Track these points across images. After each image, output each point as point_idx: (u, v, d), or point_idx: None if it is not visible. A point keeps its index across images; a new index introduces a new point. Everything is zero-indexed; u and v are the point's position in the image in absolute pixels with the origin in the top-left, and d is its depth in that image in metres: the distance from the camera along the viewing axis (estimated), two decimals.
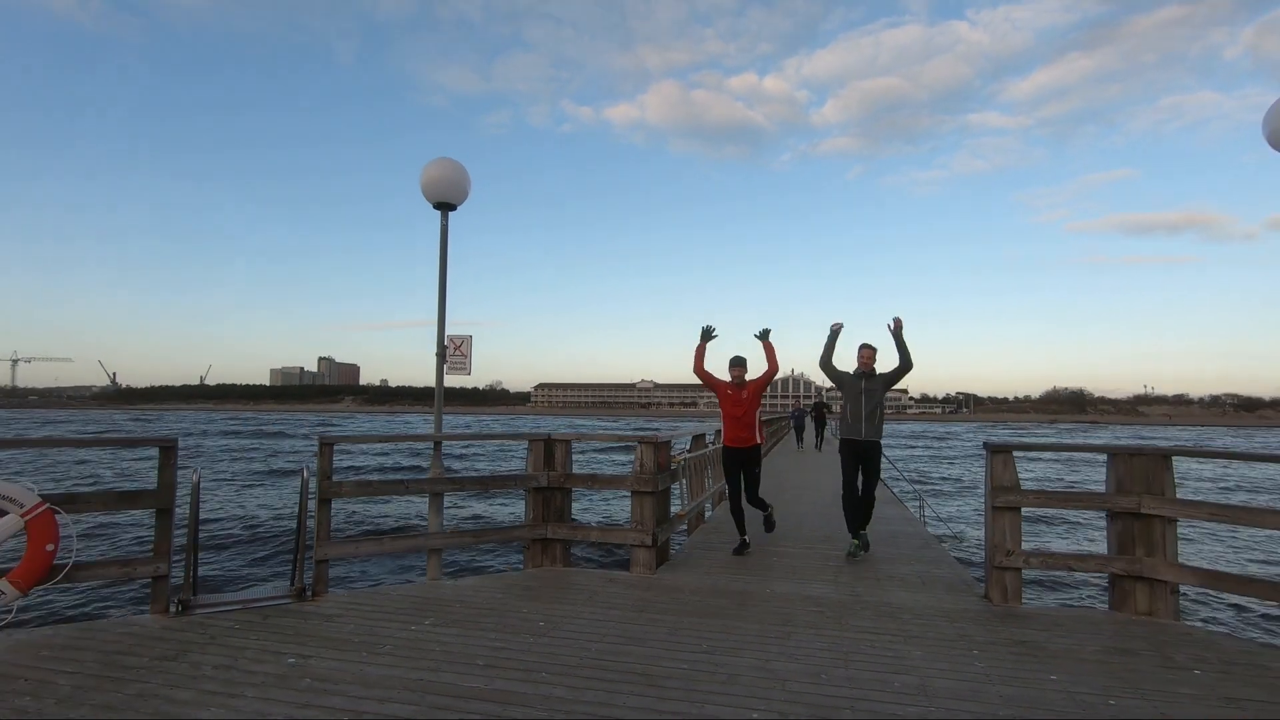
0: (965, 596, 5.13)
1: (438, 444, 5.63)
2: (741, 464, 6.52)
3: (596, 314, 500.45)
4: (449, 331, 5.73)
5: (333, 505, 4.98)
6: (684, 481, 6.92)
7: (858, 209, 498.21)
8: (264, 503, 16.69)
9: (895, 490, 14.34)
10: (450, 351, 5.73)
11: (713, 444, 8.46)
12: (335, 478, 4.94)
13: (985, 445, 5.13)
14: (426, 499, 5.59)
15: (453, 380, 5.82)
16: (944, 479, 27.22)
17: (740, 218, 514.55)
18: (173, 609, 4.39)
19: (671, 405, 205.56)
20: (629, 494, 5.85)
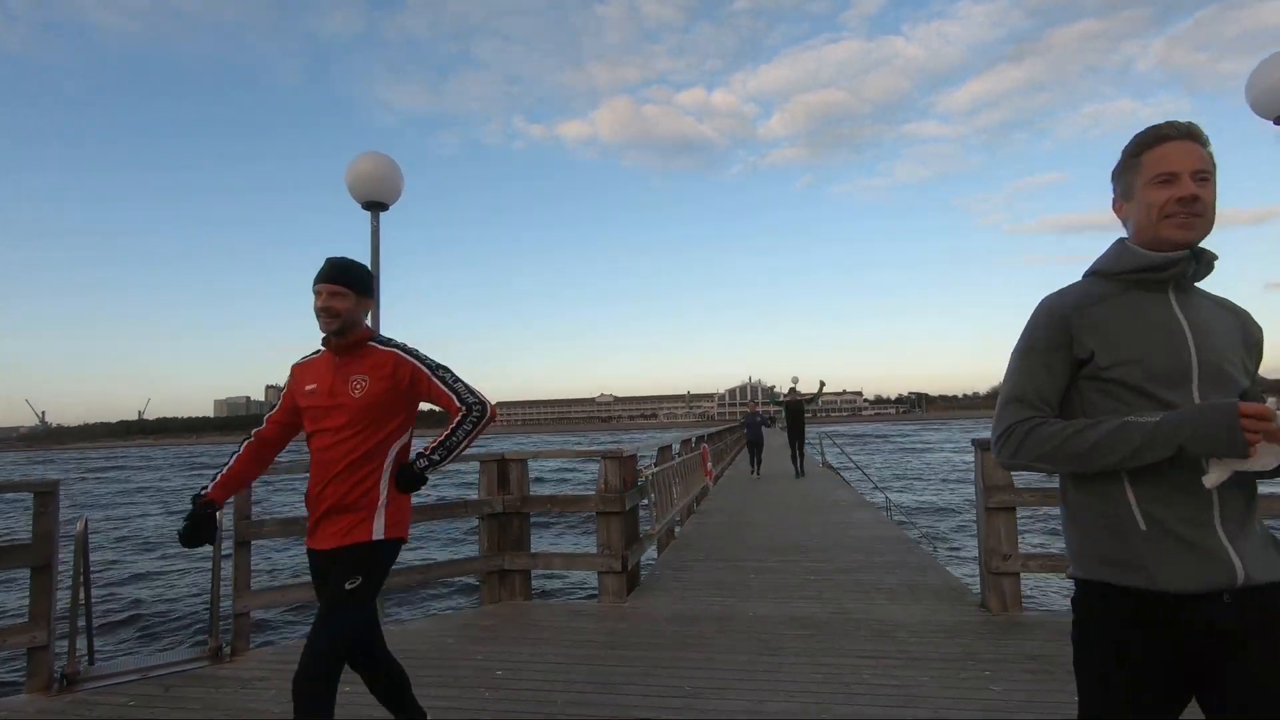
0: (961, 607, 4.77)
1: None
2: None
3: (553, 329, 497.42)
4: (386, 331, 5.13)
5: (254, 548, 4.33)
6: (652, 497, 6.43)
7: (808, 217, 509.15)
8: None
9: (861, 491, 14.14)
10: None
11: (679, 455, 8.00)
12: (257, 516, 4.29)
13: (975, 442, 4.79)
14: None
15: None
16: (909, 474, 27.39)
17: (694, 229, 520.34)
18: (54, 686, 3.68)
19: (632, 418, 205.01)
20: (594, 515, 5.34)
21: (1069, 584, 6.91)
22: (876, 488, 17.74)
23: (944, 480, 25.92)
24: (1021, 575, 4.61)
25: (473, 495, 5.43)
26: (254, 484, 3.99)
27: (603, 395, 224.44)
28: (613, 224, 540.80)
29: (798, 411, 15.24)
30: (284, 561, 11.38)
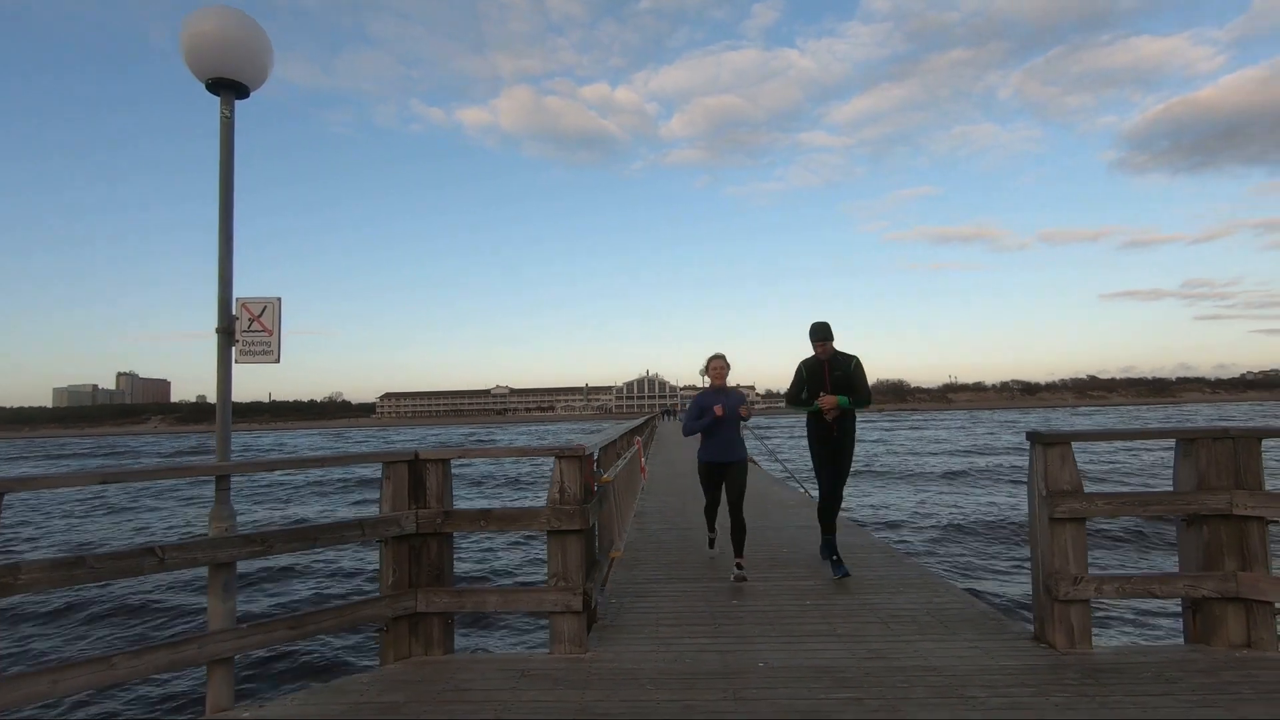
0: (1014, 641, 3.80)
1: (222, 479, 3.38)
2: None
3: (445, 319, 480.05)
4: (243, 295, 3.50)
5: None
6: (613, 505, 5.10)
7: (706, 216, 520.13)
8: None
9: (792, 488, 13.41)
10: (244, 325, 3.50)
11: (626, 454, 6.70)
12: (23, 553, 2.62)
13: (1031, 435, 3.83)
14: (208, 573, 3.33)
15: (267, 379, 3.59)
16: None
17: (594, 222, 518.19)
18: None
19: (529, 410, 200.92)
20: (539, 534, 3.95)
21: (1124, 607, 6.02)
22: (801, 486, 17.19)
23: (853, 473, 25.99)
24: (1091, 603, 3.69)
25: (370, 510, 3.90)
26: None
27: (498, 387, 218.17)
28: (511, 213, 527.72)
29: (845, 380, 5.31)
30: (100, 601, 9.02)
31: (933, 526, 13.46)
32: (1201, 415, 73.08)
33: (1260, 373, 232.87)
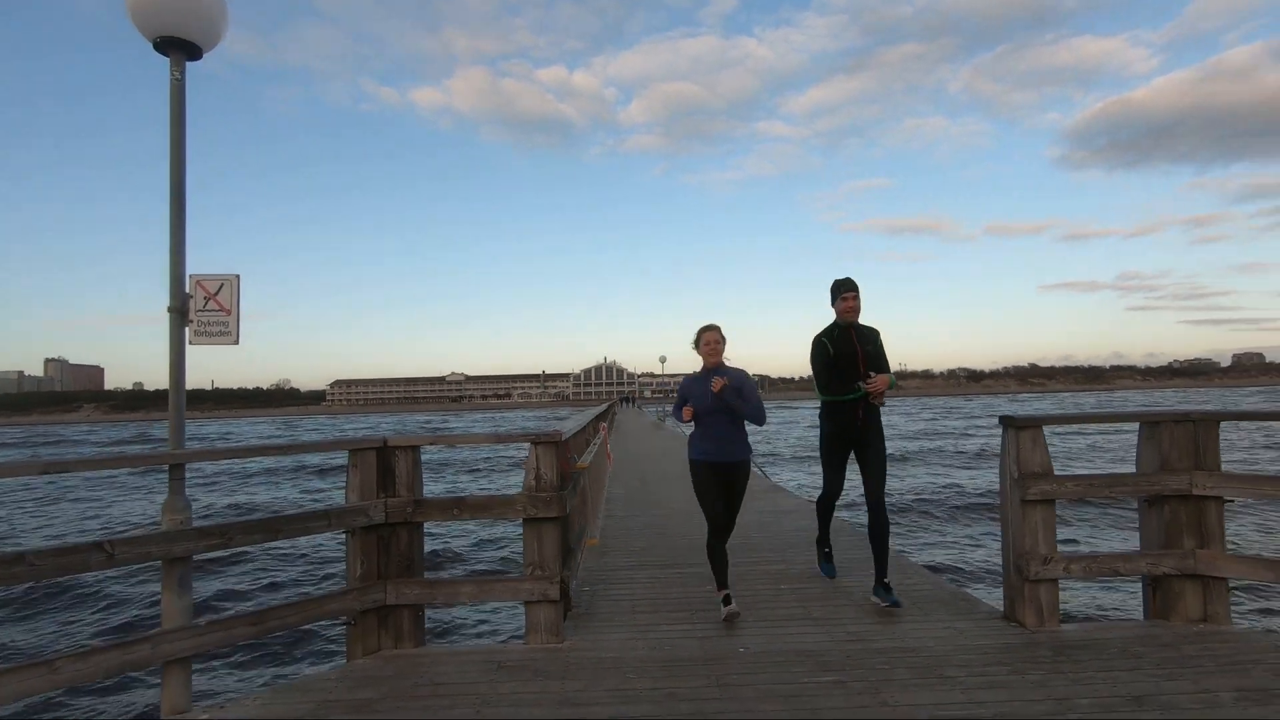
0: (982, 620, 3.87)
1: (176, 468, 3.17)
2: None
3: (399, 304, 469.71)
4: (196, 271, 3.27)
5: None
6: (586, 492, 5.02)
7: (664, 203, 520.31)
8: None
9: None
10: (198, 304, 3.27)
11: (596, 440, 6.62)
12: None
13: (1004, 420, 3.89)
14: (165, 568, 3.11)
15: (210, 366, 3.36)
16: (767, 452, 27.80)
17: (552, 207, 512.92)
18: None
19: (485, 398, 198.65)
20: (511, 523, 3.85)
21: (1089, 586, 6.15)
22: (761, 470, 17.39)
23: (797, 458, 26.53)
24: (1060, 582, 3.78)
25: (337, 499, 3.74)
26: None
27: (453, 374, 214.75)
28: (467, 196, 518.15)
29: (877, 357, 4.33)
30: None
31: (890, 508, 13.80)
32: (1132, 402, 76.70)
33: (1185, 361, 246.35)
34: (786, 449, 28.09)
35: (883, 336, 4.40)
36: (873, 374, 4.15)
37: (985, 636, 3.63)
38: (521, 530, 3.74)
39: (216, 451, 3.45)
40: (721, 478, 4.11)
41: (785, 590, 4.61)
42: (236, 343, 3.27)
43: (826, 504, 4.75)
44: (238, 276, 3.29)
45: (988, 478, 18.22)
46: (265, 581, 8.72)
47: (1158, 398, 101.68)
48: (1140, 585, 3.99)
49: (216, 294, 3.25)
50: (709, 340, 4.14)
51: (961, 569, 8.95)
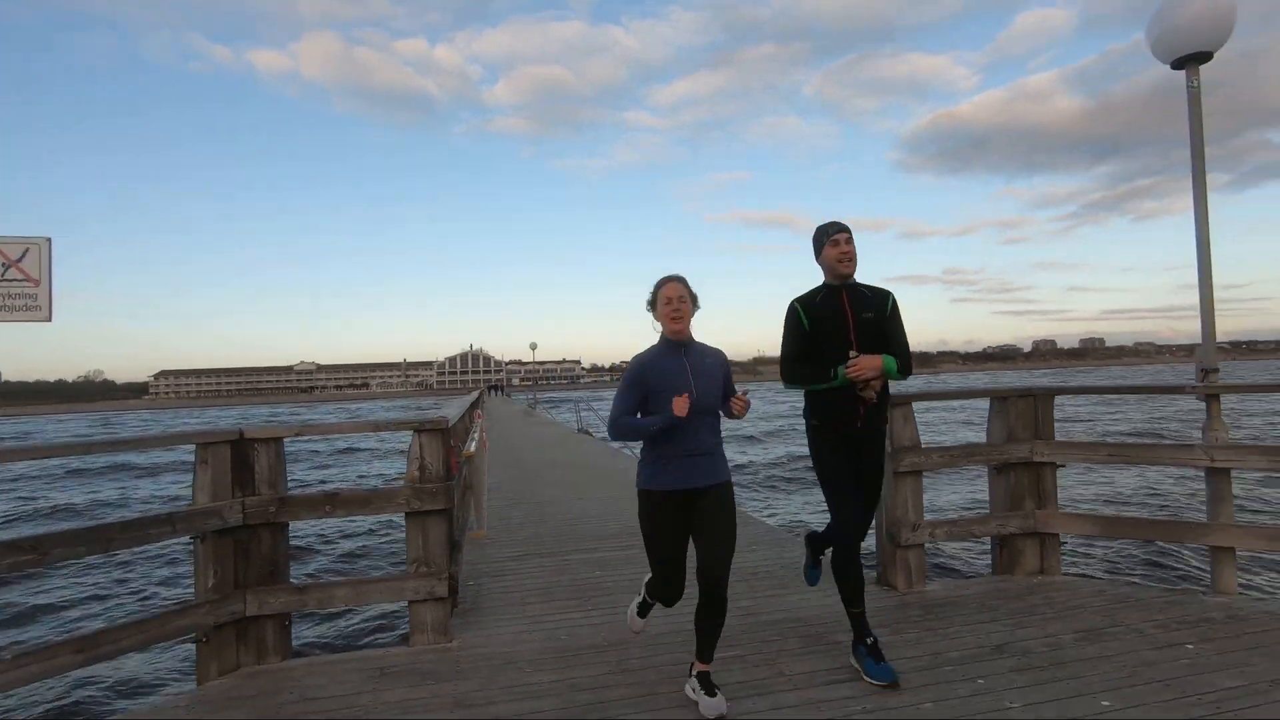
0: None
1: None
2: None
3: (238, 289, 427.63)
4: None
5: None
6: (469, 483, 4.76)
7: (532, 188, 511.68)
8: None
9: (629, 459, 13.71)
10: None
11: (476, 429, 6.33)
12: None
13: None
14: None
15: (6, 351, 2.78)
16: None
17: (413, 187, 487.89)
18: None
19: (340, 388, 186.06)
20: (379, 517, 3.56)
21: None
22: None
23: None
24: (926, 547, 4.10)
25: (182, 502, 3.27)
26: None
27: (302, 363, 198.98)
28: (317, 171, 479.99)
29: (878, 330, 3.03)
30: None
31: (759, 483, 14.52)
32: (953, 383, 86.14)
33: (997, 347, 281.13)
34: None
35: (899, 304, 3.08)
36: (853, 353, 2.89)
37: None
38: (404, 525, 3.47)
39: (26, 450, 2.87)
40: (686, 510, 2.71)
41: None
42: (48, 319, 2.73)
43: (844, 555, 3.08)
44: (48, 240, 2.74)
45: None
46: (96, 595, 7.60)
47: (973, 379, 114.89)
48: (990, 545, 4.42)
49: (20, 260, 2.69)
50: (669, 296, 2.69)
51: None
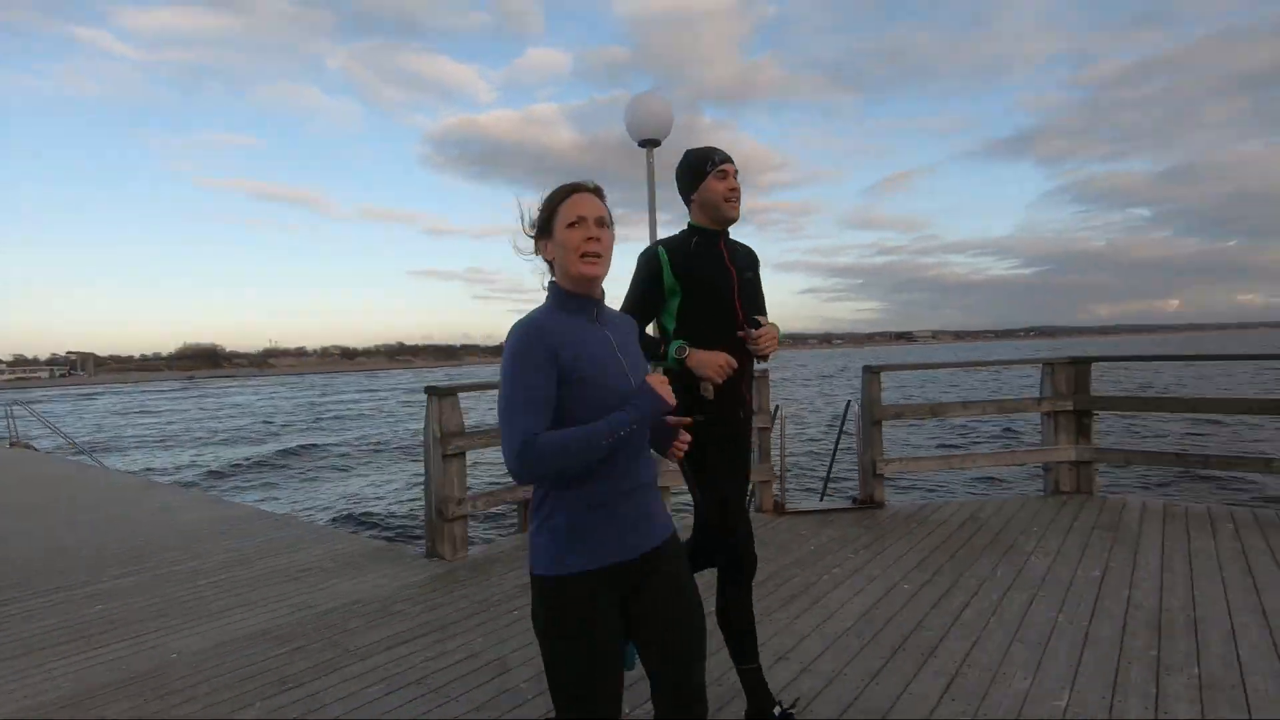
0: (411, 562, 4.55)
1: None
2: None
3: None
4: None
5: None
6: None
7: None
8: None
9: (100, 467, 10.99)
10: None
11: None
12: None
13: (427, 389, 4.60)
14: None
15: None
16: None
17: None
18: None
19: None
20: None
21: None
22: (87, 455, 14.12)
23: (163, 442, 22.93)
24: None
25: None
26: None
27: None
28: None
29: (754, 290, 2.40)
30: None
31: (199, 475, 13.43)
32: (479, 375, 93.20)
33: None
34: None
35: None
36: (761, 320, 2.27)
37: (417, 574, 4.28)
38: None
39: None
40: (624, 597, 1.55)
41: (204, 585, 4.26)
42: None
43: (729, 556, 2.26)
44: None
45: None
46: None
47: (489, 373, 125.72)
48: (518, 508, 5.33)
49: None
50: (582, 215, 1.55)
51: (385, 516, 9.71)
